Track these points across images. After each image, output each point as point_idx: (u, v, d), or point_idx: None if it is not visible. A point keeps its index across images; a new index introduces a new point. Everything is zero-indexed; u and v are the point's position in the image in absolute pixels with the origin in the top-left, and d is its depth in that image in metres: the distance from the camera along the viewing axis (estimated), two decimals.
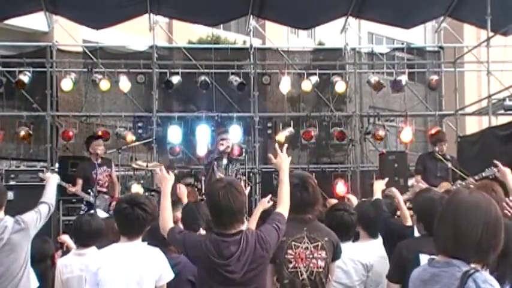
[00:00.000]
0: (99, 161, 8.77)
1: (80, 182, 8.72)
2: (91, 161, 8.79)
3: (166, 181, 4.09)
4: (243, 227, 3.69)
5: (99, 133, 11.05)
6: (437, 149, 9.22)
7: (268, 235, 3.65)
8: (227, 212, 3.58)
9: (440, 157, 8.98)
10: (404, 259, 3.95)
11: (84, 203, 8.72)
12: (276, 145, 4.28)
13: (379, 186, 5.32)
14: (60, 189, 7.98)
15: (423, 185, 8.45)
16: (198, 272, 3.81)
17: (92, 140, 9.15)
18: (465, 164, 9.63)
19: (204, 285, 3.67)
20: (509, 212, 4.15)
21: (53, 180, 4.88)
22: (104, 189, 8.81)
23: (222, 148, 8.40)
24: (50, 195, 4.71)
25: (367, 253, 4.56)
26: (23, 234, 4.30)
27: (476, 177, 8.03)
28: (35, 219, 4.42)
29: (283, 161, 4.03)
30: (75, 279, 4.70)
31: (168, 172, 4.15)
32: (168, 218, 3.90)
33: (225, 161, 8.43)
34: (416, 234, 4.21)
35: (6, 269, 4.20)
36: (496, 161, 4.93)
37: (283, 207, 3.86)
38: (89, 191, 8.64)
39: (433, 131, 11.33)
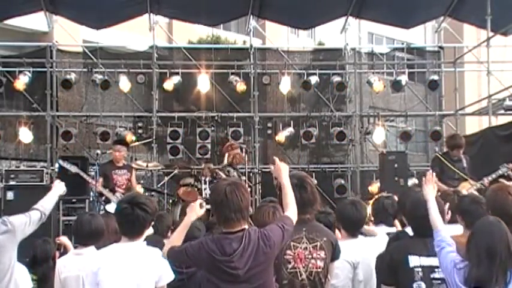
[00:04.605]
0: (120, 164, 9.33)
1: (100, 180, 9.15)
2: (112, 163, 9.34)
3: (194, 214, 4.01)
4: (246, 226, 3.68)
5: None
6: (447, 150, 8.93)
7: (272, 232, 3.65)
8: (233, 208, 3.58)
9: (447, 161, 8.76)
10: (395, 261, 4.00)
11: (104, 198, 9.09)
12: (275, 158, 4.16)
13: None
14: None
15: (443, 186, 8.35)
16: (203, 274, 3.82)
17: (114, 144, 9.75)
18: None
19: (210, 285, 3.65)
20: None
21: (56, 190, 4.69)
22: (121, 190, 9.18)
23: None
24: (46, 203, 4.47)
25: (352, 251, 4.54)
26: (8, 236, 4.10)
27: (490, 178, 7.99)
28: (23, 222, 4.19)
29: (282, 170, 3.95)
30: (73, 278, 4.70)
31: (200, 206, 4.05)
32: (173, 244, 3.88)
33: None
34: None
35: None
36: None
37: (291, 212, 3.82)
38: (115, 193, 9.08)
39: (433, 131, 11.22)
